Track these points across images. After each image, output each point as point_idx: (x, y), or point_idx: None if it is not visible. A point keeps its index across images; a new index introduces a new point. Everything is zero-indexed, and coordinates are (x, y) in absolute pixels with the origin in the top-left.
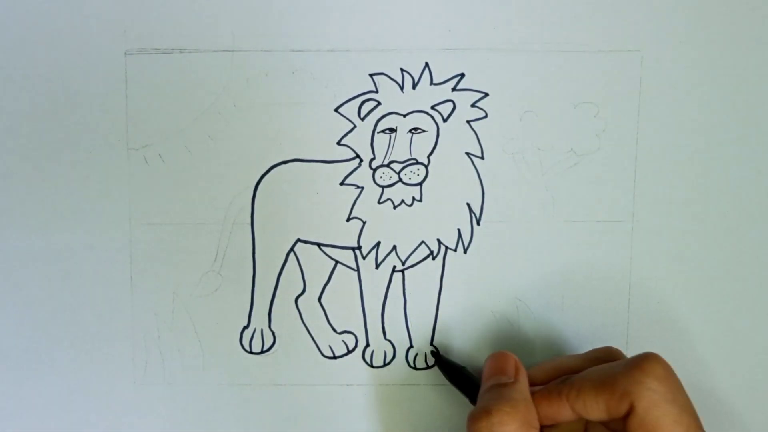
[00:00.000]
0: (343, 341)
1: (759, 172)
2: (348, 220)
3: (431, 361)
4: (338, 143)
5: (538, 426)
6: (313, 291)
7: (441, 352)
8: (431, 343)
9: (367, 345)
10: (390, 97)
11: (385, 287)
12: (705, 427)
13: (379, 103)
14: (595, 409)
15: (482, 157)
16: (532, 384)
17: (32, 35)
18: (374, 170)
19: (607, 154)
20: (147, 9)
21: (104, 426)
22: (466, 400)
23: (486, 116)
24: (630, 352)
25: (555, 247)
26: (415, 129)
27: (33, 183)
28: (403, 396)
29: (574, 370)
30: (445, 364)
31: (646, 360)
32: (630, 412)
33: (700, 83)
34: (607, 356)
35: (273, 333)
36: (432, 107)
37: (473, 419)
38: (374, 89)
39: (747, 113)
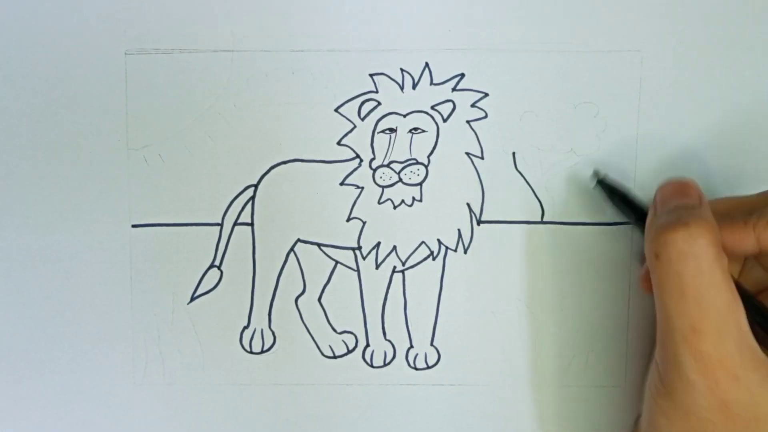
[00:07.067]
0: (343, 341)
1: (759, 172)
2: (348, 220)
3: (431, 361)
4: (338, 143)
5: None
6: (313, 291)
7: (602, 176)
8: (431, 343)
9: (367, 345)
10: (390, 97)
11: (385, 287)
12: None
13: (379, 103)
14: None
15: (482, 157)
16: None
17: (32, 35)
18: (374, 170)
19: (607, 154)
20: (147, 9)
21: (104, 426)
22: (468, 400)
23: (486, 116)
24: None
25: (555, 247)
26: (415, 129)
27: (33, 183)
28: (403, 396)
29: (756, 206)
30: (608, 187)
31: None
32: None
33: (700, 83)
34: None
35: (273, 333)
36: (432, 107)
37: (668, 230)
38: (374, 89)
39: (747, 113)
